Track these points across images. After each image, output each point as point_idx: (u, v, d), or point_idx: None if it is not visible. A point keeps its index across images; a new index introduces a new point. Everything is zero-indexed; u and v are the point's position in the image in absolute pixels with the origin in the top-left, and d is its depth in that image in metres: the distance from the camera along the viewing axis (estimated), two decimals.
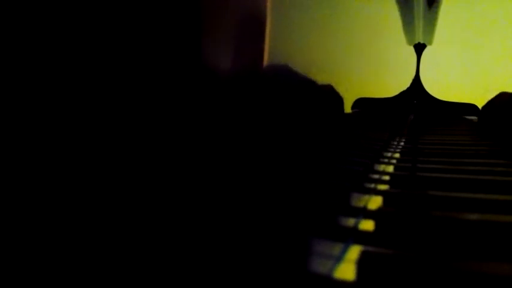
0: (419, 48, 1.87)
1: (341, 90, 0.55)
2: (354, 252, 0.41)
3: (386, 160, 0.88)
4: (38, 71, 0.16)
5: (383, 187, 0.70)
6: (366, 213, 0.54)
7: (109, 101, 0.18)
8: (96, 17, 0.18)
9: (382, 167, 0.82)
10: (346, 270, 0.39)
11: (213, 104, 0.24)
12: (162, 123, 0.20)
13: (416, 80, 1.87)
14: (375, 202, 0.60)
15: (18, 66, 0.15)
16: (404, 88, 1.67)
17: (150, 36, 0.20)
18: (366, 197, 0.60)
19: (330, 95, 0.44)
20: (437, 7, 1.79)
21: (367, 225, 0.50)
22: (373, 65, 0.75)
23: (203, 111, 0.23)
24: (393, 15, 1.00)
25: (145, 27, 0.20)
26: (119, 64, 0.18)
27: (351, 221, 0.50)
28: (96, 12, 0.18)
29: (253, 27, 0.28)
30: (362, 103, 0.65)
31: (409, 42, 1.65)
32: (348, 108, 0.65)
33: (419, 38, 1.85)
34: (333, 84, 0.47)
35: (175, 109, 0.21)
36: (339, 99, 0.48)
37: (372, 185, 0.68)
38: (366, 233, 0.49)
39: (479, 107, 1.73)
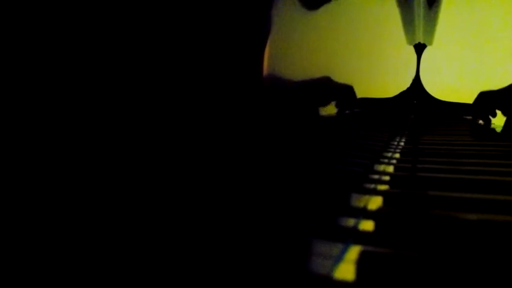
0: (420, 48, 1.86)
1: None
2: (354, 252, 0.41)
3: (386, 160, 0.88)
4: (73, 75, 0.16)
5: (383, 187, 0.70)
6: (366, 213, 0.54)
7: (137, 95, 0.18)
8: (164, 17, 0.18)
9: (382, 167, 0.82)
10: (346, 270, 0.39)
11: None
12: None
13: (417, 80, 1.86)
14: (375, 202, 0.60)
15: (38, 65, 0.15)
16: (404, 88, 1.67)
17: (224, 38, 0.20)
18: (366, 197, 0.60)
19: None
20: (437, 7, 1.79)
21: (367, 225, 0.50)
22: (373, 65, 0.75)
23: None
24: (393, 15, 1.00)
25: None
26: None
27: (351, 221, 0.50)
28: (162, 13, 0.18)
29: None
30: (362, 103, 0.65)
31: (409, 42, 1.65)
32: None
33: (420, 38, 1.85)
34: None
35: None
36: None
37: (372, 185, 0.68)
38: (366, 233, 0.49)
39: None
